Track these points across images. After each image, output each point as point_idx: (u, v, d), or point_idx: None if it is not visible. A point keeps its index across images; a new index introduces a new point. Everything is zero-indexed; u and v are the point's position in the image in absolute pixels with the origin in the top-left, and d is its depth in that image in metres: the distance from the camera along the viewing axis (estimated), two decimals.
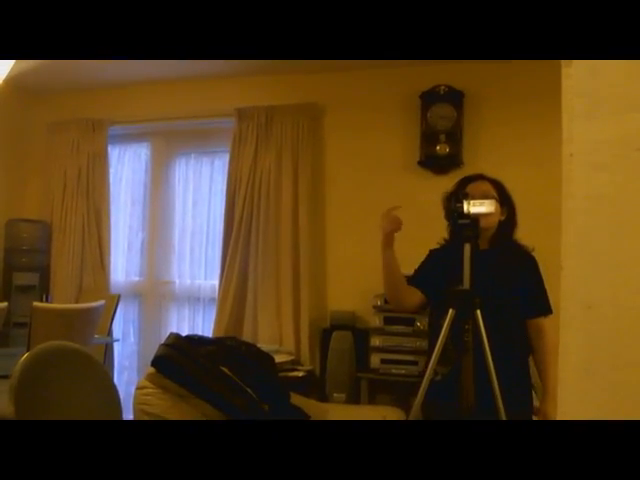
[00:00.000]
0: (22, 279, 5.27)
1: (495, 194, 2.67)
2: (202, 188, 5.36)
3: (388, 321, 4.31)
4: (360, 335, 4.42)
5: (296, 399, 3.56)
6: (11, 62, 4.33)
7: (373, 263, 2.77)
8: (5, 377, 2.65)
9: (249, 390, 3.18)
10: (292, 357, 4.53)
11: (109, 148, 5.46)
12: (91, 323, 4.09)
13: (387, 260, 2.62)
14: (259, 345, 3.89)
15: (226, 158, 5.03)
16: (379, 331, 4.35)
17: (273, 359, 3.69)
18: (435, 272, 2.70)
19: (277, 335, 4.72)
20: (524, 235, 2.78)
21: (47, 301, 5.13)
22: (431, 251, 2.82)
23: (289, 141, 4.83)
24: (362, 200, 4.72)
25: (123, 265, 5.60)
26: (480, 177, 2.78)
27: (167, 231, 5.40)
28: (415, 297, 2.71)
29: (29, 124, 5.68)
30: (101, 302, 4.17)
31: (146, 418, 3.11)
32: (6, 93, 5.26)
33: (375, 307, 4.37)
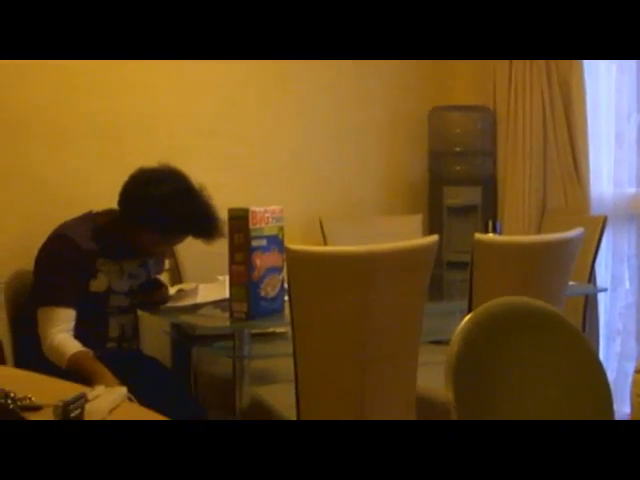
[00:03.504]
0: (456, 197, 4.44)
1: None
2: None
3: None
4: None
5: None
6: None
7: None
8: (440, 342, 2.89)
9: None
10: None
11: None
12: (561, 264, 3.30)
13: None
14: None
15: None
16: None
17: None
18: None
19: None
20: None
21: (495, 231, 4.12)
22: None
23: None
24: None
25: (609, 171, 4.28)
26: None
27: None
28: None
29: None
30: (577, 231, 3.28)
31: None
32: None
33: None
